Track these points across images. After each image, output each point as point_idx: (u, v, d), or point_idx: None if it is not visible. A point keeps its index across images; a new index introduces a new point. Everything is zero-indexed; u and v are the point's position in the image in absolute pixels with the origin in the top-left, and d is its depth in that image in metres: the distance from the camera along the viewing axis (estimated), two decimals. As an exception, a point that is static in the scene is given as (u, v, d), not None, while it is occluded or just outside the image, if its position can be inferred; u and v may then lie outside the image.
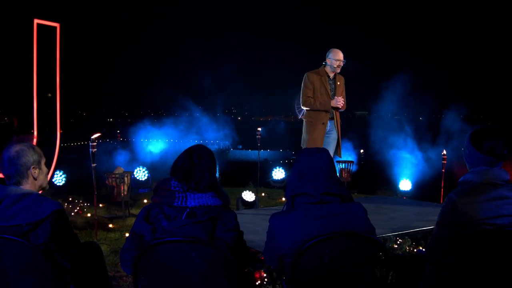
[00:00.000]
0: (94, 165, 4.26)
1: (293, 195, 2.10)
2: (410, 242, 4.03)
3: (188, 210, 2.03)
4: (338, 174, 8.50)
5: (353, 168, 8.82)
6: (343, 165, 8.42)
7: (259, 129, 7.35)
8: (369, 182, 9.17)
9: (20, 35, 5.81)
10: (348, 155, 11.18)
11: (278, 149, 20.76)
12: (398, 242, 4.04)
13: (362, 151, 12.18)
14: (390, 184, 8.57)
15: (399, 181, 8.25)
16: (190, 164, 2.08)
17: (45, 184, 2.35)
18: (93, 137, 4.22)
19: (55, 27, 6.22)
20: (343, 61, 5.08)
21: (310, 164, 2.10)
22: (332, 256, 2.00)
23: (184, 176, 2.08)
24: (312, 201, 2.05)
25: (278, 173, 9.11)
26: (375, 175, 10.03)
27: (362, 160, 11.69)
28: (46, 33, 6.08)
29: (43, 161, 2.32)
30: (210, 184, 2.10)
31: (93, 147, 4.20)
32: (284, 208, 2.18)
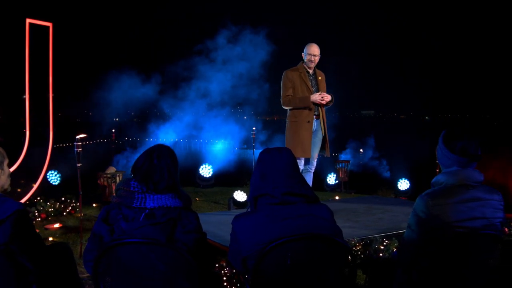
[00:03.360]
0: (79, 165, 4.25)
1: (255, 196, 2.06)
2: (397, 243, 3.96)
3: (146, 211, 2.00)
4: (335, 174, 8.47)
5: (350, 167, 8.76)
6: (340, 164, 8.36)
7: (254, 128, 7.30)
8: (368, 181, 9.11)
9: (12, 35, 5.83)
10: (346, 155, 11.12)
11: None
12: (385, 243, 3.97)
13: (361, 150, 12.10)
14: (388, 184, 8.50)
15: (397, 181, 8.16)
16: (150, 165, 2.05)
17: (6, 185, 2.33)
18: (78, 137, 4.20)
19: (48, 27, 6.23)
20: (316, 56, 4.79)
21: (271, 164, 2.06)
22: (296, 259, 1.96)
23: (143, 177, 2.05)
24: (274, 201, 2.00)
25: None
26: (374, 174, 9.97)
27: (361, 160, 11.62)
28: (38, 32, 6.09)
29: (5, 162, 2.30)
30: (169, 185, 2.06)
31: (78, 147, 4.18)
32: (248, 210, 2.14)
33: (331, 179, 8.50)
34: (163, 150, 2.11)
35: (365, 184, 8.77)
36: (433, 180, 2.33)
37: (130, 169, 2.10)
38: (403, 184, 7.99)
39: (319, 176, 8.77)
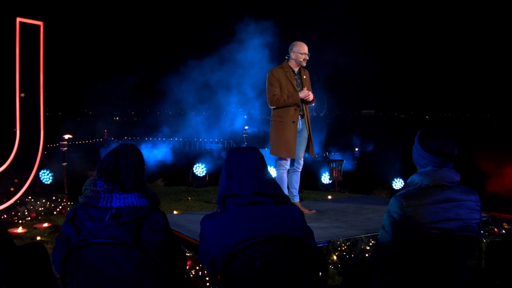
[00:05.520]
0: (64, 164, 4.23)
1: (224, 197, 2.03)
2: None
3: (113, 211, 1.97)
4: (328, 173, 8.44)
5: (346, 167, 8.72)
6: (334, 164, 8.33)
7: (247, 127, 7.30)
8: (363, 181, 9.07)
9: (2, 34, 5.80)
10: (342, 154, 11.09)
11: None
12: (371, 243, 3.95)
13: (357, 149, 12.07)
14: (383, 183, 8.45)
15: (392, 180, 8.12)
16: (115, 164, 2.03)
17: None
18: (64, 137, 4.18)
19: (39, 26, 6.21)
20: (308, 54, 4.85)
21: (239, 164, 2.03)
22: (265, 260, 1.93)
23: (109, 176, 2.02)
24: (242, 202, 1.97)
25: (273, 172, 9.03)
26: (369, 174, 9.93)
27: (357, 159, 11.59)
28: (29, 31, 6.07)
29: None
30: (136, 184, 2.04)
31: (63, 146, 4.16)
32: (217, 211, 2.11)
33: (325, 178, 8.46)
34: (129, 149, 2.08)
35: (359, 183, 8.73)
36: (409, 180, 2.30)
37: (96, 169, 2.08)
38: (398, 183, 7.96)
39: (313, 175, 8.75)
